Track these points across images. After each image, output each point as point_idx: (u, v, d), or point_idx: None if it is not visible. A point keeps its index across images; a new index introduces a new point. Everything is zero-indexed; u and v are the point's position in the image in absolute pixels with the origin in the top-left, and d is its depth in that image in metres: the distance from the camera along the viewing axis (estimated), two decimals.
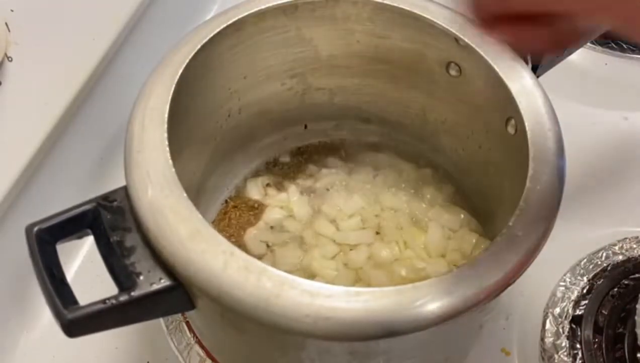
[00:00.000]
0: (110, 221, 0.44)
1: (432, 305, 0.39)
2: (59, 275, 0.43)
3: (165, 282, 0.42)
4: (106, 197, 0.45)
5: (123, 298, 0.41)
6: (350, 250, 0.62)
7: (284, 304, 0.39)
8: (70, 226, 0.44)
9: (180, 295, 0.43)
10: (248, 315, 0.40)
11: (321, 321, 0.39)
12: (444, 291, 0.40)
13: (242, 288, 0.39)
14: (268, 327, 0.40)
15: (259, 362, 0.54)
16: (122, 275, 0.42)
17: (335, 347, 0.44)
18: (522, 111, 0.48)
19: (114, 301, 0.41)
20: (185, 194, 0.43)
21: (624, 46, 0.85)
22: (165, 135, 0.45)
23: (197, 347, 0.61)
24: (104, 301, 0.41)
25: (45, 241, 0.43)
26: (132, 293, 0.41)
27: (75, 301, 0.42)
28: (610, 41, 0.84)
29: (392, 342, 0.42)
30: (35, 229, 0.43)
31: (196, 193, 0.61)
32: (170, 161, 0.44)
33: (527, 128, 0.47)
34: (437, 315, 0.39)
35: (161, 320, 0.63)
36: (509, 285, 0.42)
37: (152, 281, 0.41)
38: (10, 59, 0.63)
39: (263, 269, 0.40)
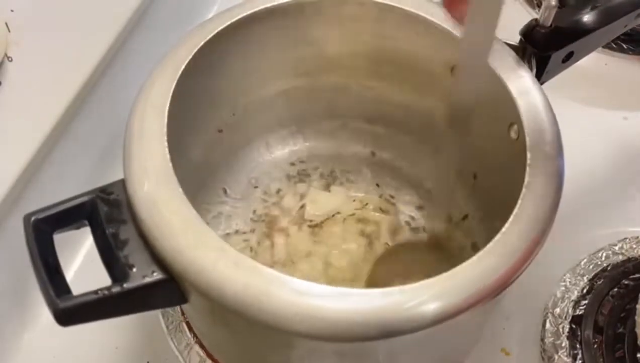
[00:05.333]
0: (106, 213, 0.44)
1: (422, 308, 0.39)
2: (54, 265, 0.43)
3: (157, 275, 0.42)
4: (104, 189, 0.45)
5: (115, 289, 0.41)
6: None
7: (272, 302, 0.39)
8: (68, 216, 0.45)
9: (172, 288, 0.43)
10: (237, 311, 0.40)
11: (309, 320, 0.39)
12: (435, 295, 0.40)
13: (231, 285, 0.40)
14: (256, 324, 0.40)
15: (249, 358, 0.54)
16: (115, 267, 0.42)
17: (323, 347, 0.44)
18: (523, 118, 0.49)
19: (106, 292, 0.41)
20: (180, 189, 0.43)
21: (624, 46, 0.85)
22: (165, 130, 0.46)
23: (197, 347, 0.61)
24: (96, 291, 0.41)
25: (42, 231, 0.43)
26: (125, 285, 0.41)
27: (68, 291, 0.42)
28: (610, 41, 0.84)
29: (380, 344, 0.42)
30: (33, 218, 0.43)
31: (197, 188, 0.62)
32: (168, 156, 0.45)
33: (526, 135, 0.48)
34: (426, 319, 0.40)
35: (161, 320, 0.63)
36: (501, 290, 0.42)
37: (145, 274, 0.42)
38: (10, 59, 0.63)
39: (253, 266, 0.40)
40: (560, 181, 0.46)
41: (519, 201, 0.44)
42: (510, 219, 0.43)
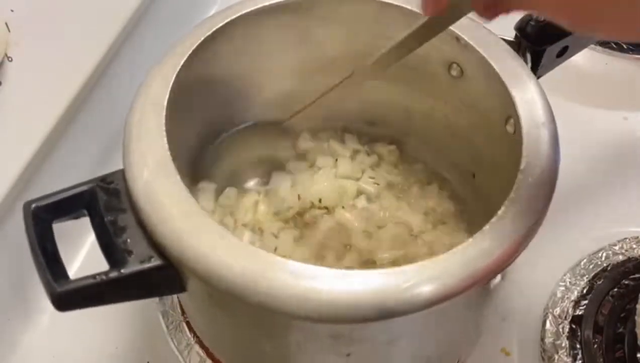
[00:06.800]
0: (106, 201, 0.45)
1: (418, 289, 0.40)
2: (53, 252, 0.43)
3: (155, 261, 0.42)
4: (104, 179, 0.46)
5: (113, 274, 0.41)
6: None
7: (270, 285, 0.39)
8: (67, 205, 0.45)
9: (170, 275, 0.43)
10: (235, 295, 0.40)
11: (305, 302, 0.39)
12: (431, 276, 0.40)
13: (229, 269, 0.40)
14: (254, 308, 0.41)
15: (247, 347, 0.54)
16: (114, 253, 0.43)
17: (320, 329, 0.44)
18: (519, 110, 0.49)
19: (103, 277, 0.41)
20: (179, 178, 0.44)
21: (624, 46, 0.85)
22: (164, 121, 0.46)
23: (197, 347, 0.61)
24: (94, 276, 0.41)
25: (42, 218, 0.44)
26: (122, 270, 0.42)
27: (66, 276, 0.42)
28: (610, 41, 0.84)
29: (377, 326, 0.43)
30: (33, 206, 0.44)
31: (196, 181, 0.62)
32: (167, 146, 0.45)
33: (522, 125, 0.48)
34: (423, 300, 0.40)
35: (161, 320, 0.63)
36: (496, 273, 0.42)
37: (143, 260, 0.42)
38: (10, 59, 0.63)
39: (251, 250, 0.41)
40: (555, 167, 0.46)
41: (515, 186, 0.44)
42: (506, 202, 0.44)
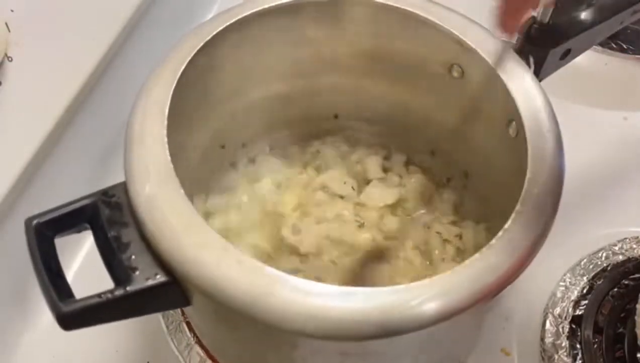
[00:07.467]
0: (108, 216, 0.44)
1: (426, 306, 0.39)
2: (57, 269, 0.43)
3: (160, 278, 0.42)
4: (105, 192, 0.45)
5: (118, 292, 0.41)
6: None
7: (276, 302, 0.39)
8: (69, 220, 0.44)
9: (175, 290, 0.43)
10: (240, 311, 0.40)
11: (312, 320, 0.39)
12: (438, 293, 0.40)
13: (235, 285, 0.40)
14: (260, 324, 0.40)
15: (250, 358, 0.54)
16: (118, 270, 0.42)
17: (327, 346, 0.44)
18: (522, 114, 0.48)
19: (109, 295, 0.41)
20: (182, 191, 0.43)
21: (624, 46, 0.85)
22: (165, 131, 0.46)
23: (197, 347, 0.61)
24: (99, 295, 0.41)
25: (44, 235, 0.43)
26: (128, 288, 0.41)
27: (71, 295, 0.42)
28: (610, 41, 0.84)
29: (385, 343, 0.42)
30: (34, 222, 0.43)
31: (198, 190, 0.62)
32: (169, 158, 0.45)
33: (526, 131, 0.47)
34: (430, 317, 0.39)
35: (161, 320, 0.63)
36: (504, 287, 0.42)
37: (148, 276, 0.42)
38: (10, 59, 0.63)
39: (256, 266, 0.40)
40: (561, 177, 0.46)
41: (521, 197, 0.44)
42: (512, 216, 0.43)
